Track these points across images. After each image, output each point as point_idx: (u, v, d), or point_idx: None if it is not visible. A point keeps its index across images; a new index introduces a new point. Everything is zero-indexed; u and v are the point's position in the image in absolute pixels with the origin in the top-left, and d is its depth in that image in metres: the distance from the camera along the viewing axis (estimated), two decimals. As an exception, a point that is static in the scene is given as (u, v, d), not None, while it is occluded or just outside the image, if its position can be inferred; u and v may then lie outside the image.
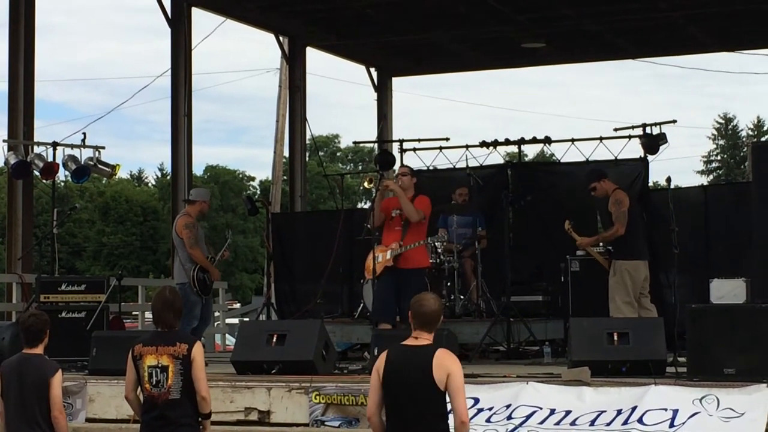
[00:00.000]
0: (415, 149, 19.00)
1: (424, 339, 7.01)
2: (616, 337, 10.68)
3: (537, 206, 16.43)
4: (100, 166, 15.89)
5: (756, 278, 10.54)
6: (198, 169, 61.96)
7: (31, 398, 8.02)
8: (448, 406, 6.91)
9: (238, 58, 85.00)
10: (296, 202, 21.65)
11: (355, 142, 35.17)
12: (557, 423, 9.40)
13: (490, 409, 9.59)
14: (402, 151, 19.00)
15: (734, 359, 9.78)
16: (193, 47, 18.85)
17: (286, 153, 23.98)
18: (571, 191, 17.12)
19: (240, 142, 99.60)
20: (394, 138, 21.76)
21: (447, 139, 18.64)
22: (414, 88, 73.68)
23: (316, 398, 10.30)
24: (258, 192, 61.72)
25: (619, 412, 9.31)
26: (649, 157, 16.78)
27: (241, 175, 67.98)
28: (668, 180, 12.26)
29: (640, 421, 9.17)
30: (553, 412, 9.50)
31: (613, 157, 17.28)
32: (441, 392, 6.83)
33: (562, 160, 18.47)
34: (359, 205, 54.66)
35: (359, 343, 14.58)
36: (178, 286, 13.51)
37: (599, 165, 15.66)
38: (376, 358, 10.78)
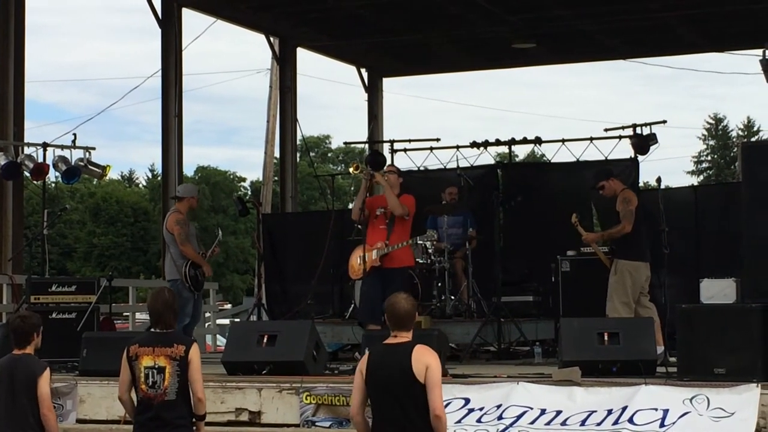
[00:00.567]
0: (405, 150, 19.03)
1: (403, 337, 7.17)
2: (606, 337, 10.68)
3: (527, 206, 16.46)
4: (90, 167, 15.87)
5: (746, 278, 10.54)
6: (189, 170, 61.95)
7: (21, 398, 8.02)
8: None
9: (229, 58, 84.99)
10: (287, 203, 21.65)
11: (345, 143, 35.21)
12: (548, 423, 9.40)
13: (481, 409, 9.59)
14: (393, 151, 19.03)
15: (724, 359, 9.79)
16: (183, 48, 18.85)
17: (277, 154, 23.97)
18: (562, 191, 17.18)
19: (231, 142, 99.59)
20: (384, 139, 21.80)
21: (438, 140, 18.69)
22: (405, 88, 73.64)
23: (306, 399, 10.30)
24: (249, 193, 61.66)
25: (610, 412, 9.31)
26: (640, 158, 16.85)
27: (231, 176, 67.93)
28: (658, 180, 12.27)
29: (630, 421, 9.17)
30: (543, 412, 9.51)
31: (604, 158, 17.33)
32: (422, 386, 6.94)
33: (552, 161, 18.53)
34: (350, 206, 54.57)
35: (350, 343, 14.58)
36: (169, 283, 13.53)
37: (606, 166, 15.58)
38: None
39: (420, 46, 21.51)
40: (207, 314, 21.50)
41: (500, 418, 9.52)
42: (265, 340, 11.45)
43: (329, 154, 72.58)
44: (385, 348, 7.20)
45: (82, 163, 15.72)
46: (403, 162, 18.98)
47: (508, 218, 16.50)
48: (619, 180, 13.30)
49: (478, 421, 9.48)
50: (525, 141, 18.46)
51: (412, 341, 7.16)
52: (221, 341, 20.51)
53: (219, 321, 23.22)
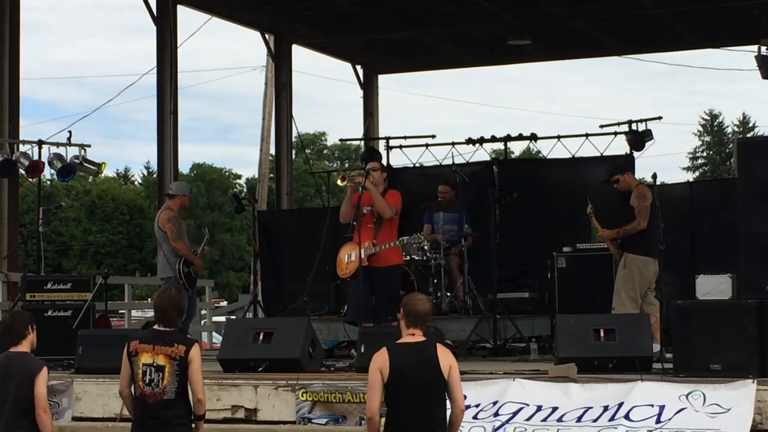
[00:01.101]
0: (401, 146, 19.01)
1: (419, 336, 7.40)
2: (602, 334, 10.69)
3: (523, 203, 16.45)
4: (85, 164, 15.86)
5: (741, 274, 10.55)
6: (184, 168, 61.79)
7: (16, 396, 7.95)
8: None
9: (224, 56, 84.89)
10: (282, 200, 21.65)
11: (341, 140, 34.97)
12: (544, 419, 9.42)
13: (477, 405, 9.60)
14: (388, 148, 19.00)
15: (720, 355, 9.80)
16: (178, 45, 18.84)
17: (273, 151, 23.96)
18: (558, 188, 17.18)
19: (226, 140, 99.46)
20: (380, 135, 21.78)
21: (433, 137, 18.66)
22: (400, 85, 73.72)
23: (302, 396, 10.31)
24: (244, 190, 61.64)
25: (606, 408, 9.33)
26: (635, 154, 16.85)
27: (227, 173, 67.90)
28: (654, 176, 12.27)
29: (626, 417, 9.19)
30: (539, 408, 9.52)
31: (599, 154, 17.33)
32: (444, 384, 7.26)
33: (548, 157, 18.52)
34: (346, 203, 54.44)
35: (346, 340, 14.58)
36: (163, 281, 13.52)
37: (618, 160, 15.52)
38: (363, 356, 10.87)
39: (415, 42, 21.49)
40: (203, 311, 21.50)
41: (496, 414, 9.54)
42: (261, 337, 11.45)
43: (325, 151, 72.52)
44: (406, 347, 7.36)
45: (77, 161, 15.71)
46: (398, 159, 18.96)
47: (503, 215, 16.49)
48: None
49: (475, 417, 9.49)
50: (520, 137, 18.44)
51: (431, 340, 7.46)
52: (217, 339, 20.52)
53: (215, 318, 23.22)
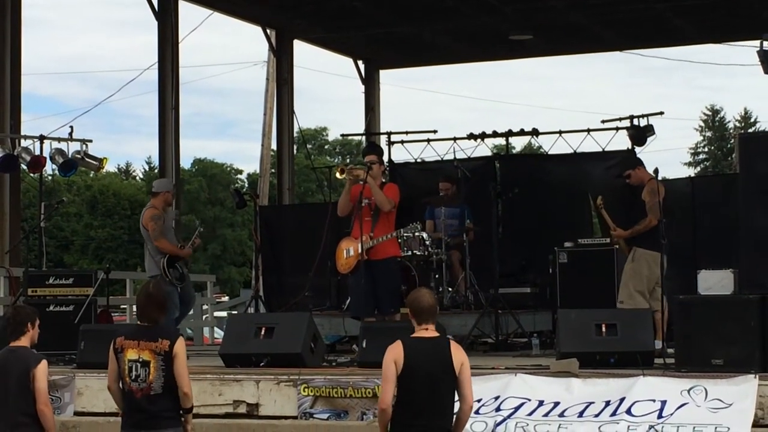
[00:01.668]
0: (402, 141, 19.01)
1: (433, 330, 7.49)
2: (604, 329, 10.70)
3: (525, 198, 16.47)
4: (87, 159, 15.85)
5: (743, 269, 10.55)
6: (186, 163, 61.78)
7: (15, 391, 7.95)
8: None
9: (226, 51, 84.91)
10: (284, 195, 21.66)
11: (342, 135, 35.03)
12: (546, 414, 9.41)
13: (479, 400, 9.58)
14: (390, 143, 19.00)
15: (722, 350, 9.80)
16: (180, 40, 18.84)
17: (274, 146, 23.96)
18: (559, 183, 17.19)
19: (228, 135, 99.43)
20: (381, 130, 21.77)
21: (435, 132, 18.68)
22: (401, 80, 73.60)
23: (304, 391, 10.31)
24: (246, 185, 61.56)
25: (608, 403, 9.33)
26: (637, 149, 16.84)
27: (229, 169, 67.82)
28: (656, 171, 12.27)
29: (628, 412, 9.19)
30: (541, 403, 9.52)
31: (601, 149, 17.34)
32: (455, 380, 7.36)
33: (549, 152, 18.53)
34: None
35: (348, 335, 14.58)
36: (151, 279, 13.56)
37: (626, 155, 15.50)
38: (364, 351, 10.88)
39: (417, 37, 21.49)
40: (204, 307, 21.52)
41: (498, 409, 9.54)
42: (262, 332, 11.46)
43: (326, 146, 72.48)
44: (421, 341, 7.42)
45: (79, 156, 15.70)
46: (400, 154, 19.04)
47: (505, 210, 16.50)
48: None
49: (476, 412, 9.48)
50: (522, 133, 18.46)
51: (444, 336, 7.59)
52: (219, 334, 20.53)
53: (216, 313, 23.23)
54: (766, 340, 9.78)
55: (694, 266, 12.11)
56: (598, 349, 10.52)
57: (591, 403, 9.38)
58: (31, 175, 16.75)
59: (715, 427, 8.91)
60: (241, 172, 68.13)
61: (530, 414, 9.45)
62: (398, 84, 62.84)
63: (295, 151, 24.16)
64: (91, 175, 56.93)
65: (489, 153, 19.00)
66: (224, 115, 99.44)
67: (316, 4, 19.51)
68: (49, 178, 16.65)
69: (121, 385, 7.87)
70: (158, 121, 18.62)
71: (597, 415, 9.27)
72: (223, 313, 23.83)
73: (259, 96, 30.33)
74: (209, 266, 55.87)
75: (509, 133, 18.51)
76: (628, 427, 9.08)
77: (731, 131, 67.79)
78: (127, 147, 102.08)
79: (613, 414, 9.22)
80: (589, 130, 17.60)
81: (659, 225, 12.12)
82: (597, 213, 13.90)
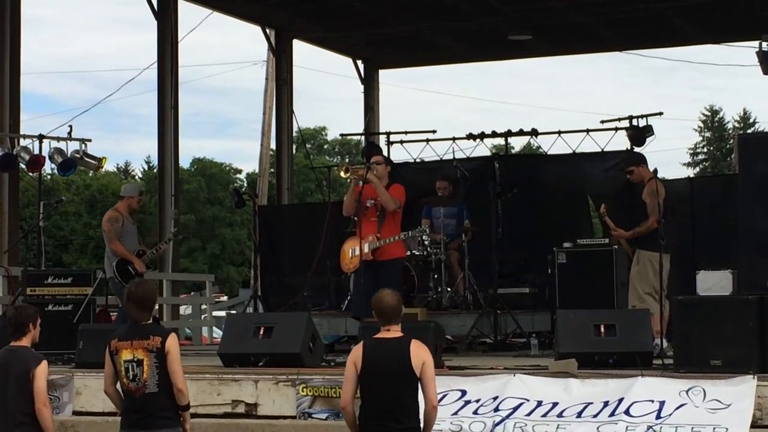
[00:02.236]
0: (402, 141, 19.01)
1: (395, 331, 7.52)
2: (602, 329, 10.69)
3: (524, 198, 16.45)
4: (86, 158, 15.85)
5: (742, 270, 10.54)
6: (185, 162, 61.72)
7: (15, 390, 7.94)
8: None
9: (225, 50, 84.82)
10: (283, 195, 21.66)
11: (342, 135, 35.13)
12: (544, 415, 9.41)
13: (477, 401, 9.59)
14: (389, 143, 19.01)
15: (721, 351, 9.80)
16: (179, 40, 18.84)
17: (273, 145, 23.96)
18: (558, 183, 17.18)
19: (227, 134, 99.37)
20: (381, 130, 21.78)
21: (434, 132, 18.68)
22: (401, 80, 73.57)
23: (303, 391, 10.30)
24: (245, 184, 61.56)
25: (606, 403, 9.33)
26: (636, 149, 16.82)
27: (228, 168, 67.81)
28: (655, 172, 12.26)
29: (626, 412, 9.18)
30: (540, 404, 9.51)
31: (600, 149, 17.33)
32: (417, 379, 7.37)
33: (548, 153, 18.53)
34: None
35: (346, 335, 14.58)
36: (110, 280, 13.68)
37: (637, 153, 15.48)
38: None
39: (416, 37, 21.49)
40: (203, 306, 21.53)
41: (497, 410, 9.53)
42: (261, 332, 11.45)
43: (325, 146, 72.47)
44: (380, 342, 7.51)
45: (78, 155, 15.69)
46: (399, 154, 19.02)
47: (504, 210, 16.49)
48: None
49: (475, 413, 9.49)
50: (521, 133, 18.46)
51: (406, 336, 7.52)
52: (218, 333, 20.53)
53: (215, 313, 23.25)
54: (764, 340, 9.77)
55: (693, 267, 12.13)
56: (597, 350, 10.52)
57: (589, 403, 9.37)
58: (30, 174, 16.73)
59: (714, 428, 8.91)
60: (240, 171, 68.16)
61: (529, 414, 9.44)
62: (398, 84, 62.94)
63: (294, 151, 24.15)
64: (90, 174, 56.91)
65: (488, 153, 18.99)
66: (223, 115, 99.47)
67: (316, 4, 19.50)
68: (48, 177, 16.63)
69: (119, 386, 7.86)
70: (157, 121, 18.63)
71: (595, 416, 9.27)
72: (222, 313, 23.87)
73: (258, 95, 30.41)
74: (208, 266, 55.88)
75: (508, 134, 18.50)
76: (627, 427, 9.08)
77: (730, 132, 67.82)
78: (127, 146, 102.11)
79: (612, 414, 9.22)
80: (588, 131, 17.60)
81: (659, 226, 12.11)
82: (600, 220, 13.92)
